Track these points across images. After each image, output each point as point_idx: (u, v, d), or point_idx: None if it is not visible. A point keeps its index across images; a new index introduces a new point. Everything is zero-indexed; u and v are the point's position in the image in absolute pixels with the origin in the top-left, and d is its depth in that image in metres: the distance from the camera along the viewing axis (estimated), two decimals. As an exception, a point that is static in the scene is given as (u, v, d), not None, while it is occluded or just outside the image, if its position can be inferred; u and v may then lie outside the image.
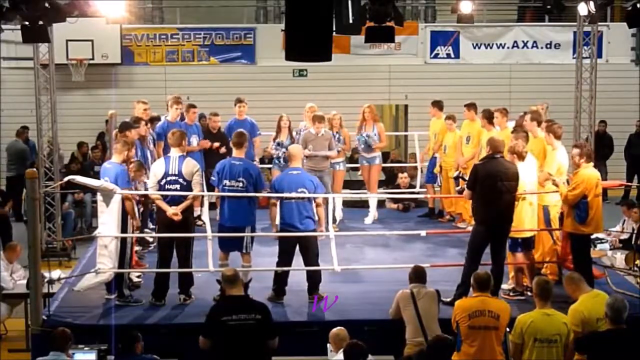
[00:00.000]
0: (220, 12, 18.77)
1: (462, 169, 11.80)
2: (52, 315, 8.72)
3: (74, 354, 7.40)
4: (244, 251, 9.16)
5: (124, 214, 9.05)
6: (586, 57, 15.11)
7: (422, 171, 13.72)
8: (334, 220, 11.50)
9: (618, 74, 18.14)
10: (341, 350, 6.94)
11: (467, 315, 7.28)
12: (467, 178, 9.27)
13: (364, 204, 13.36)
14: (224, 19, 18.60)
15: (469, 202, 9.57)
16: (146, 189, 9.57)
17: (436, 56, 18.67)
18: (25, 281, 9.83)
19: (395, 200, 13.95)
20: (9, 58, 17.25)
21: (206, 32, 18.29)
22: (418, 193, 13.59)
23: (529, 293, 8.86)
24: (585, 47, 15.11)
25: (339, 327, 7.45)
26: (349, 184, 13.91)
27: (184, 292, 9.17)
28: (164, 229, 9.15)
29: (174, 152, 9.20)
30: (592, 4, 12.91)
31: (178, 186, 9.06)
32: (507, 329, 7.38)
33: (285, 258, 9.24)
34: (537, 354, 7.04)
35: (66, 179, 9.70)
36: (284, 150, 11.70)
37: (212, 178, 9.37)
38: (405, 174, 14.50)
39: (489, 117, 11.52)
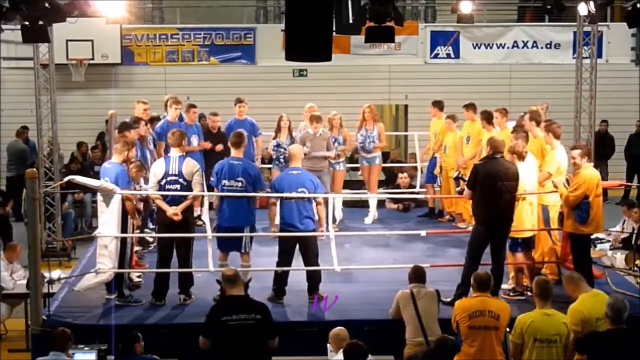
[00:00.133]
0: (220, 12, 18.77)
1: (461, 169, 11.81)
2: (52, 315, 8.72)
3: (74, 354, 7.40)
4: (243, 251, 9.16)
5: (124, 214, 9.05)
6: (586, 57, 15.11)
7: (422, 171, 13.72)
8: (334, 220, 11.49)
9: (618, 74, 18.15)
10: (341, 350, 6.94)
11: (467, 315, 7.28)
12: (467, 178, 9.27)
13: (364, 204, 13.36)
14: (224, 19, 18.60)
15: (469, 202, 9.56)
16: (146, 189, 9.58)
17: (436, 56, 18.67)
18: (25, 281, 9.83)
19: (395, 200, 13.95)
20: (9, 58, 17.26)
21: (206, 32, 18.29)
22: (418, 193, 13.58)
23: (529, 293, 8.86)
24: (585, 47, 15.11)
25: (339, 327, 7.45)
26: (349, 184, 13.91)
27: (184, 292, 9.17)
28: (164, 229, 9.15)
29: (174, 152, 9.20)
30: (592, 4, 12.91)
31: (178, 186, 9.06)
32: (507, 329, 7.38)
33: (285, 258, 9.24)
34: (537, 354, 7.04)
35: (66, 179, 9.70)
36: (282, 150, 11.71)
37: (212, 179, 9.38)
38: (405, 174, 14.50)
39: (488, 117, 11.52)
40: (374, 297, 9.22)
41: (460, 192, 10.96)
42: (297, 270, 9.27)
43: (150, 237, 10.54)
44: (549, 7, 14.21)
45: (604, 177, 16.37)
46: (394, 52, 18.10)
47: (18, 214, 15.07)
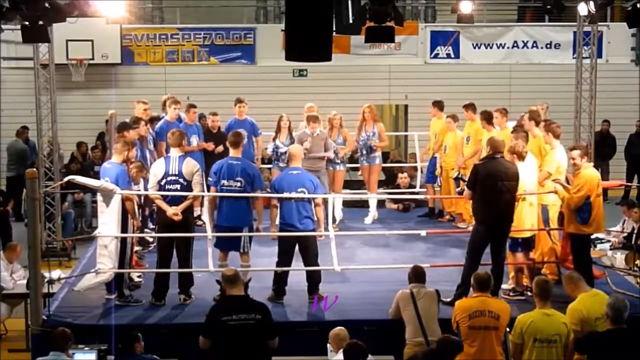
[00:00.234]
0: (220, 12, 18.77)
1: (461, 169, 11.82)
2: (52, 315, 8.72)
3: (74, 354, 7.40)
4: (242, 251, 9.16)
5: (124, 214, 9.04)
6: (586, 57, 15.11)
7: (422, 171, 13.72)
8: (334, 220, 11.50)
9: (618, 74, 18.15)
10: (341, 350, 6.94)
11: (467, 315, 7.29)
12: (466, 179, 9.27)
13: (364, 204, 13.35)
14: (224, 19, 18.61)
15: (469, 202, 9.56)
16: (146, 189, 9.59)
17: (436, 56, 18.67)
18: (25, 281, 9.83)
19: (395, 200, 13.95)
20: (9, 58, 17.26)
21: (206, 32, 18.29)
22: (418, 193, 13.58)
23: (529, 293, 8.86)
24: (585, 47, 15.11)
25: (339, 327, 7.45)
26: (349, 184, 13.91)
27: (184, 292, 9.17)
28: (164, 229, 9.15)
29: (174, 152, 9.20)
30: (592, 4, 12.91)
31: (178, 186, 9.06)
32: (507, 329, 7.38)
33: (284, 258, 9.24)
34: (537, 354, 7.05)
35: (66, 179, 9.70)
36: (281, 152, 11.73)
37: (210, 179, 9.37)
38: (405, 174, 14.49)
39: (487, 117, 11.52)
40: (374, 297, 9.22)
41: (460, 193, 10.97)
42: (297, 270, 9.27)
43: (150, 237, 10.55)
44: (549, 7, 14.21)
45: (605, 177, 16.40)
46: (394, 52, 18.10)
47: (18, 214, 15.07)
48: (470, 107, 12.33)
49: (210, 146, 11.94)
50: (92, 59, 16.97)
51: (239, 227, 9.11)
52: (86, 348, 7.53)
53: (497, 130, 11.27)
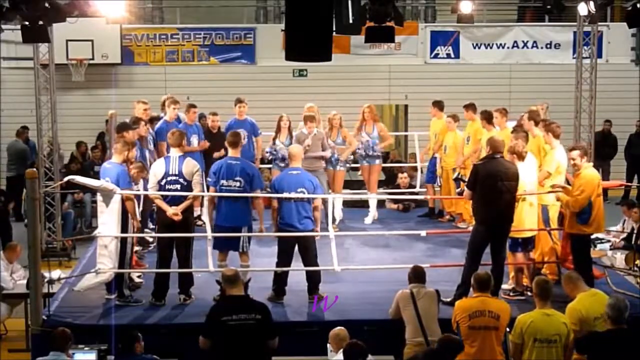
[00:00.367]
0: (220, 12, 18.77)
1: (460, 168, 11.82)
2: (52, 315, 8.72)
3: (74, 354, 7.40)
4: (241, 250, 9.16)
5: (124, 214, 9.04)
6: (586, 57, 15.11)
7: (422, 171, 13.72)
8: (334, 221, 11.50)
9: (618, 74, 18.14)
10: (341, 350, 6.94)
11: (468, 315, 7.29)
12: (466, 179, 9.26)
13: (364, 204, 13.35)
14: (224, 19, 18.60)
15: (469, 202, 9.56)
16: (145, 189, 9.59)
17: (436, 56, 18.67)
18: (25, 281, 9.83)
19: (395, 201, 13.95)
20: (9, 58, 17.25)
21: (206, 32, 18.29)
22: (418, 193, 13.58)
23: (529, 293, 8.86)
24: (585, 47, 15.11)
25: (339, 327, 7.45)
26: (349, 184, 13.90)
27: (184, 292, 9.17)
28: (164, 229, 9.15)
29: (174, 152, 9.20)
30: (592, 4, 12.91)
31: (178, 186, 9.06)
32: (507, 329, 7.38)
33: (284, 258, 9.24)
34: (536, 354, 7.05)
35: (66, 179, 9.70)
36: (280, 154, 11.73)
37: (208, 179, 9.37)
38: (405, 174, 14.49)
39: (487, 117, 11.52)
40: (374, 297, 9.22)
41: (460, 194, 10.97)
42: (297, 270, 9.27)
43: (150, 237, 10.55)
44: (549, 7, 14.21)
45: (606, 177, 16.41)
46: (394, 52, 18.09)
47: (18, 214, 15.07)
48: (470, 107, 12.33)
49: (207, 144, 11.93)
50: (92, 59, 16.96)
51: (238, 227, 9.11)
52: (86, 348, 7.54)
53: (497, 130, 11.27)
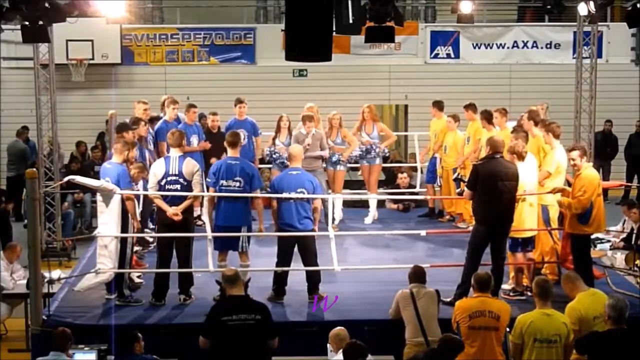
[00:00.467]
0: (220, 12, 18.77)
1: (460, 168, 11.82)
2: (52, 315, 8.72)
3: (74, 354, 7.39)
4: (241, 250, 9.16)
5: (124, 214, 9.05)
6: (586, 57, 15.11)
7: (421, 171, 13.72)
8: (334, 221, 11.50)
9: (618, 74, 18.15)
10: (341, 350, 6.94)
11: (468, 315, 7.29)
12: (466, 179, 9.26)
13: (364, 204, 13.35)
14: (224, 19, 18.61)
15: (469, 202, 9.56)
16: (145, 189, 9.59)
17: (436, 56, 18.67)
18: (25, 281, 9.84)
19: (395, 201, 13.94)
20: (9, 58, 17.26)
21: (206, 32, 18.29)
22: (418, 193, 13.58)
23: (529, 293, 8.86)
24: (585, 47, 15.11)
25: (339, 327, 7.44)
26: (349, 184, 13.90)
27: (184, 292, 9.17)
28: (164, 229, 9.15)
29: (174, 152, 9.20)
30: (592, 4, 12.91)
31: (178, 186, 9.06)
32: (507, 329, 7.38)
33: (284, 258, 9.24)
34: (536, 354, 7.05)
35: (66, 179, 9.69)
36: (277, 156, 11.73)
37: (208, 179, 9.37)
38: (405, 174, 14.49)
39: (488, 117, 11.52)
40: (374, 297, 9.22)
41: (460, 194, 10.96)
42: (297, 270, 9.27)
43: (150, 237, 10.55)
44: (549, 7, 14.22)
45: (607, 177, 16.42)
46: (394, 52, 18.10)
47: (18, 214, 15.07)
48: (470, 107, 12.33)
49: (208, 145, 11.93)
50: (92, 59, 16.97)
51: (238, 227, 9.11)
52: (86, 348, 7.54)
53: (497, 130, 11.27)
